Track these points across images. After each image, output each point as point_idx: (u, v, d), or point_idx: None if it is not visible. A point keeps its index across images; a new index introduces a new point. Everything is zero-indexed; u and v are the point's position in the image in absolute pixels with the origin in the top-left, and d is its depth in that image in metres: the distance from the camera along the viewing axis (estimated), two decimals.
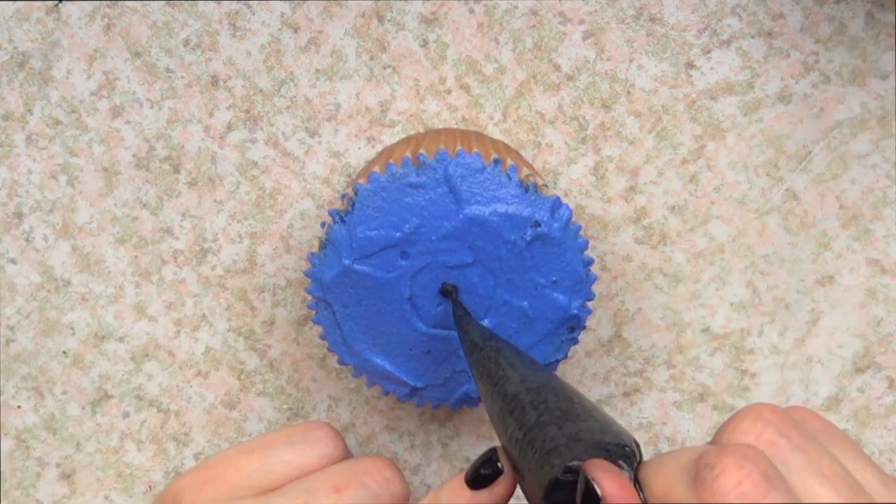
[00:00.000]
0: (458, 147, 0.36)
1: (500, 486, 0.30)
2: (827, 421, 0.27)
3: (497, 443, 0.42)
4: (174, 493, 0.32)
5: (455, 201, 0.36)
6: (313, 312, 0.37)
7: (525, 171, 0.36)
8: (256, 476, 0.32)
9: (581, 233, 0.41)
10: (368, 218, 0.36)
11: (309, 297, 0.41)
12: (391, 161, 0.36)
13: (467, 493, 0.30)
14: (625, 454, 0.26)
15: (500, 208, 0.36)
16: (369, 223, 0.36)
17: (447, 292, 0.36)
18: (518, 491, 0.30)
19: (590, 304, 0.38)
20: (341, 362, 0.38)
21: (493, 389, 0.31)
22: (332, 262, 0.36)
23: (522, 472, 0.28)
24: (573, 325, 0.37)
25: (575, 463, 0.25)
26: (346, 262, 0.36)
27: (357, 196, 0.36)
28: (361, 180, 0.36)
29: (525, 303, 0.36)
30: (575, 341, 0.37)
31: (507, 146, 0.40)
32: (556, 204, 0.36)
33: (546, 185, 0.37)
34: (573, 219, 0.41)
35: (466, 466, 0.43)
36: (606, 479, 0.24)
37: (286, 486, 0.32)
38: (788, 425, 0.25)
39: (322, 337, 0.37)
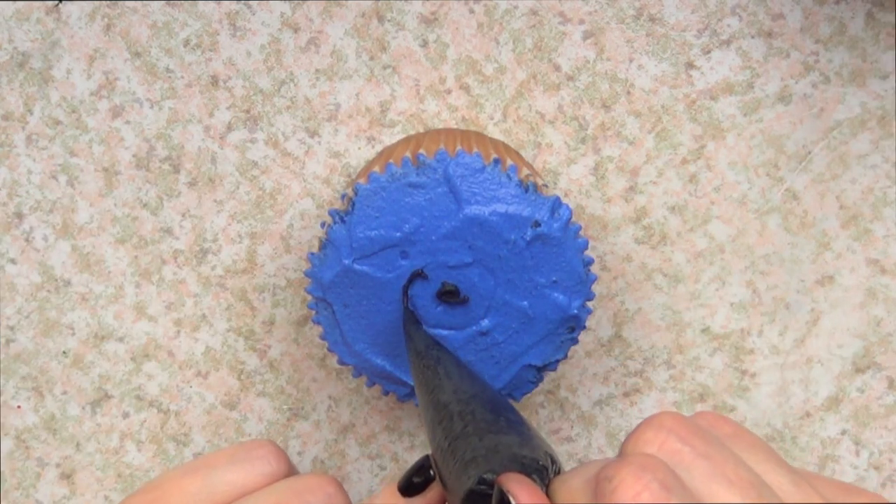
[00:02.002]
0: (458, 147, 0.36)
1: (432, 493, 0.30)
2: (736, 424, 0.27)
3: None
4: None
5: (455, 201, 0.36)
6: (313, 312, 0.37)
7: (525, 171, 0.36)
8: (200, 496, 0.32)
9: (581, 233, 0.41)
10: (368, 218, 0.36)
11: (309, 297, 0.41)
12: (391, 161, 0.36)
13: (401, 501, 0.30)
14: (537, 468, 0.26)
15: (500, 208, 0.36)
16: (369, 223, 0.36)
17: (447, 293, 0.36)
18: None
19: (590, 304, 0.38)
20: (341, 362, 0.38)
21: (429, 398, 0.31)
22: (332, 262, 0.36)
23: (446, 482, 0.28)
24: (573, 325, 0.37)
25: (489, 475, 0.26)
26: (346, 262, 0.36)
27: (357, 196, 0.36)
28: (361, 180, 0.36)
29: (525, 303, 0.36)
30: (575, 341, 0.37)
31: (506, 146, 0.40)
32: (556, 204, 0.36)
33: (546, 185, 0.37)
34: (573, 219, 0.41)
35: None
36: (521, 491, 0.25)
37: None
38: (691, 432, 0.25)
39: (322, 337, 0.37)
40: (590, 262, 0.37)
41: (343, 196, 0.36)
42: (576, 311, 0.37)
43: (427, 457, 0.30)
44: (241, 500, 0.32)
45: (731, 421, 0.27)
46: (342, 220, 0.36)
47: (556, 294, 0.36)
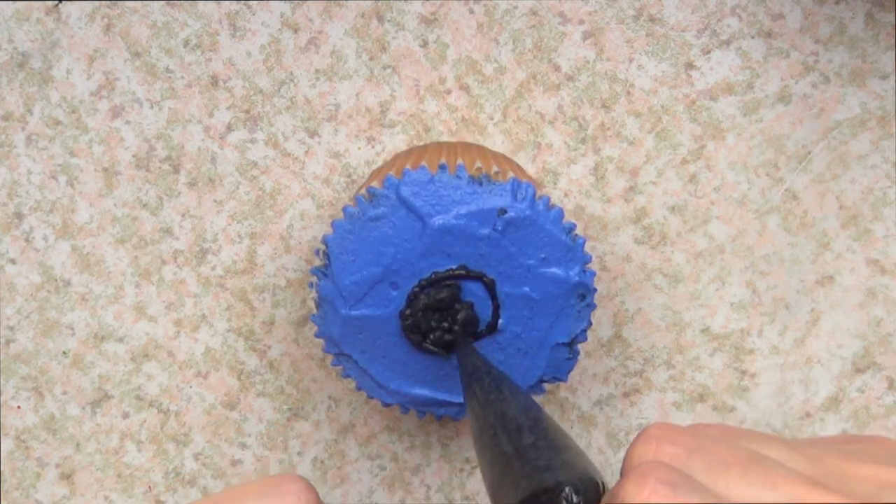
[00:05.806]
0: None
1: None
2: (722, 424, 0.28)
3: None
4: None
5: (418, 219, 0.36)
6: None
7: (477, 165, 0.36)
8: None
9: (581, 233, 0.41)
10: (347, 264, 0.36)
11: (310, 300, 0.42)
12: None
13: None
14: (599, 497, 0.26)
15: (462, 210, 0.36)
16: (350, 268, 0.36)
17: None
18: None
19: (590, 266, 0.37)
20: (385, 405, 0.38)
21: (489, 409, 0.30)
22: (332, 318, 0.36)
23: (498, 486, 0.27)
24: (582, 291, 0.36)
25: (566, 486, 0.25)
26: (344, 312, 0.36)
27: (329, 248, 0.36)
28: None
29: (525, 288, 0.36)
30: (592, 306, 0.37)
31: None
32: (515, 185, 0.35)
33: (499, 173, 0.36)
34: (573, 219, 0.41)
35: (465, 467, 0.43)
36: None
37: None
38: (678, 434, 0.26)
39: (357, 388, 0.38)
40: (571, 227, 0.36)
41: (317, 252, 0.37)
42: (578, 278, 0.36)
43: None
44: None
45: (716, 424, 0.28)
46: (325, 275, 0.36)
47: (551, 269, 0.36)
